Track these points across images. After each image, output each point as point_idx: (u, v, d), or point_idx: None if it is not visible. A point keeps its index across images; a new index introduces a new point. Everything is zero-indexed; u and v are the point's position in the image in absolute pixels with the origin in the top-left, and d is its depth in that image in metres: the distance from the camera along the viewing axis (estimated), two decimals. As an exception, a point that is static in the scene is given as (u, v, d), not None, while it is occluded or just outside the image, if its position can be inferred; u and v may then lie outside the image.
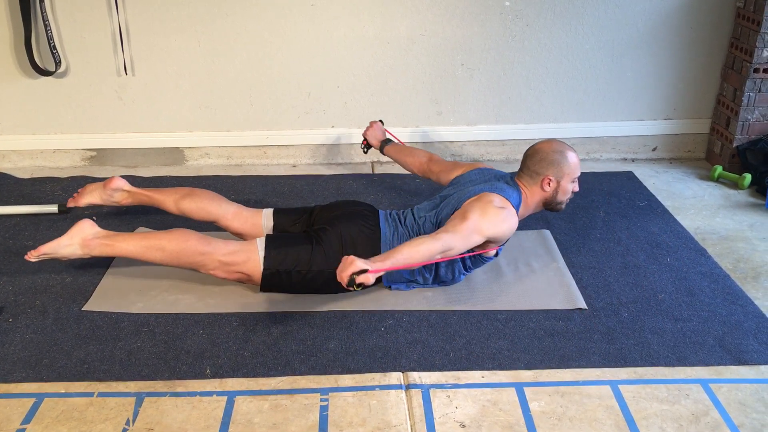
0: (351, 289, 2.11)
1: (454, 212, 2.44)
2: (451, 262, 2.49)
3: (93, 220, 2.97)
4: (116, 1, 3.27)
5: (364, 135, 3.25)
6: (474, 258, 2.50)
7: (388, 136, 3.23)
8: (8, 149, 3.56)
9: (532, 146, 2.59)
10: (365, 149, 3.27)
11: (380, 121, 3.31)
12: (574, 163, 2.52)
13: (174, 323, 2.36)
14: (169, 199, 2.71)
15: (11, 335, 2.29)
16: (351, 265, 2.09)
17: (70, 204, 2.83)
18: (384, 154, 3.19)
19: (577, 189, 2.57)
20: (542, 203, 2.57)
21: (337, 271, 2.11)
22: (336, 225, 2.47)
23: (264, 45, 3.44)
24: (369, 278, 2.10)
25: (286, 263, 2.40)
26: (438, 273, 2.52)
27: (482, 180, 2.58)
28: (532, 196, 2.55)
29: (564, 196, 2.55)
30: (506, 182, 2.55)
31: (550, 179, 2.50)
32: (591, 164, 3.70)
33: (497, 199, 2.41)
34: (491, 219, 2.35)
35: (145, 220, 2.99)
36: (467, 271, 2.57)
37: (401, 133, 3.66)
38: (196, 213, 2.67)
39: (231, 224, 2.65)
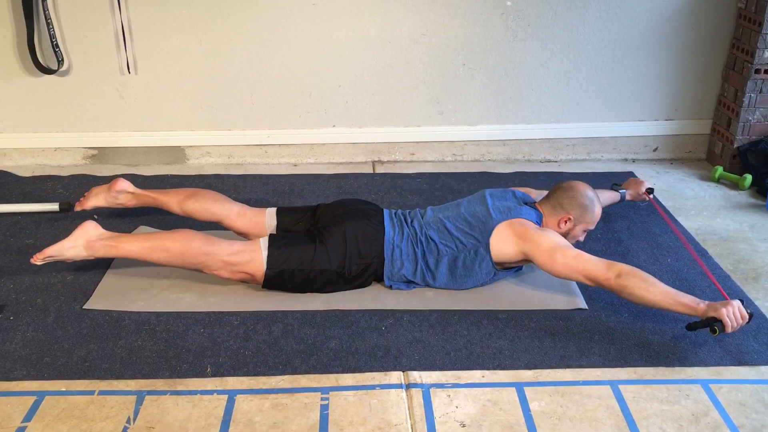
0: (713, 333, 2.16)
1: (470, 225, 2.47)
2: (457, 268, 2.50)
3: (95, 219, 2.99)
4: (119, 0, 3.27)
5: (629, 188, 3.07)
6: (494, 273, 2.53)
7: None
8: (10, 147, 3.56)
9: (568, 181, 2.60)
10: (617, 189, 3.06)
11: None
12: (596, 216, 2.55)
13: (175, 322, 2.36)
14: (172, 200, 2.72)
15: (12, 333, 2.29)
16: (737, 308, 2.15)
17: (77, 208, 2.84)
18: None
19: (581, 239, 2.60)
20: None
21: (731, 321, 2.13)
22: (339, 224, 2.48)
23: (265, 44, 3.44)
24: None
25: (289, 262, 2.41)
26: (436, 274, 2.50)
27: (505, 198, 2.58)
28: (546, 226, 2.55)
29: (571, 240, 2.55)
30: (527, 206, 2.56)
31: (569, 218, 2.51)
32: (592, 165, 3.70)
33: (531, 225, 2.45)
34: (558, 238, 2.40)
35: (147, 220, 2.99)
36: (478, 285, 2.56)
37: (402, 133, 3.66)
38: (200, 213, 2.67)
39: (235, 224, 2.65)
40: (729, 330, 2.13)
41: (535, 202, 2.61)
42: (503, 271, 2.55)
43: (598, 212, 2.55)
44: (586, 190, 2.54)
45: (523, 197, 2.62)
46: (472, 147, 3.73)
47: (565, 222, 2.52)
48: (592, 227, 2.57)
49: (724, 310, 2.12)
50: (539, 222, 2.53)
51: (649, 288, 2.20)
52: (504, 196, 2.60)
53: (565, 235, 2.53)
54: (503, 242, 2.44)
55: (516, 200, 2.58)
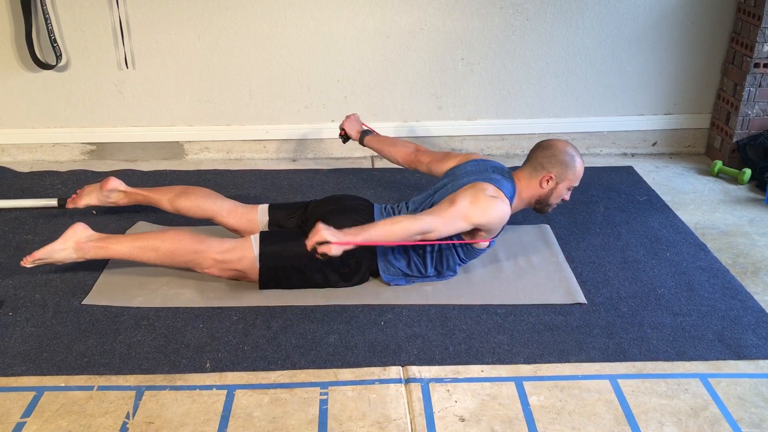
0: (317, 257, 2.17)
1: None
2: (441, 251, 2.48)
3: (94, 214, 2.99)
4: (116, -5, 3.27)
5: (341, 127, 3.17)
6: (465, 248, 2.49)
7: (365, 128, 3.15)
8: (8, 143, 3.56)
9: (546, 140, 2.56)
10: (344, 140, 3.20)
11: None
12: (578, 171, 2.50)
13: (174, 317, 2.36)
14: (164, 198, 2.72)
15: (11, 329, 2.29)
16: (316, 234, 2.15)
17: (69, 205, 2.85)
18: (364, 146, 3.11)
19: (567, 198, 2.56)
20: (533, 201, 2.55)
21: (307, 239, 2.18)
22: (330, 220, 2.46)
23: (264, 39, 3.43)
24: (331, 249, 2.15)
25: (281, 259, 2.41)
26: (426, 261, 2.50)
27: (478, 171, 2.54)
28: (527, 190, 2.51)
29: (555, 200, 2.53)
30: (501, 174, 2.52)
31: (551, 177, 2.48)
32: (591, 159, 3.70)
33: (490, 188, 2.39)
34: (480, 206, 2.33)
35: (145, 216, 2.99)
36: (461, 263, 2.56)
37: (401, 128, 3.66)
38: (192, 211, 2.67)
39: (226, 221, 2.65)
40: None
41: (513, 171, 2.56)
42: (478, 250, 2.51)
43: (579, 168, 2.50)
44: (566, 147, 2.50)
45: (500, 167, 2.56)
46: (471, 142, 3.73)
47: (547, 181, 2.49)
48: (576, 183, 2.52)
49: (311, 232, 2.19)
50: (511, 196, 2.46)
51: (391, 222, 2.27)
52: (477, 168, 2.54)
53: (549, 194, 2.50)
54: None
55: (491, 170, 2.52)
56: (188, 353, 2.20)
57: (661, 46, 3.56)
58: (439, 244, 2.47)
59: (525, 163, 2.56)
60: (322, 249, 2.15)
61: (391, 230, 2.24)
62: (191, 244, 2.38)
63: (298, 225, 2.59)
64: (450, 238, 2.41)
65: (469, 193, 2.36)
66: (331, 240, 2.16)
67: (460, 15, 3.44)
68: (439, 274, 2.55)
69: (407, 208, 2.59)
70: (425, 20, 3.45)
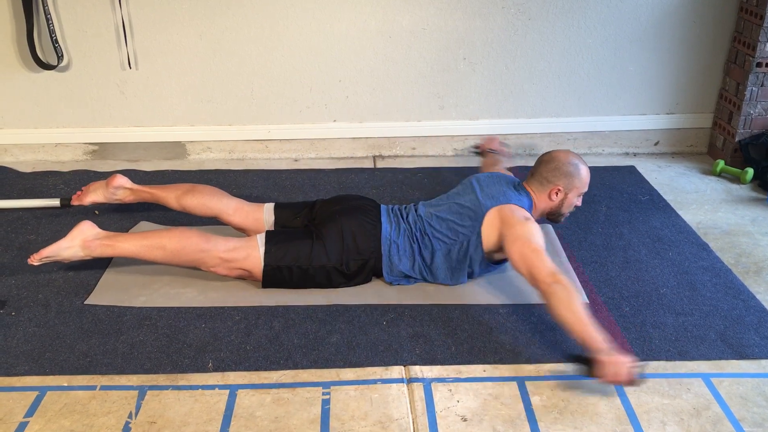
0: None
1: (461, 216, 2.47)
2: (452, 270, 2.49)
3: (96, 213, 2.99)
4: (118, -5, 3.28)
5: (483, 143, 3.09)
6: (484, 265, 2.52)
7: (492, 149, 3.06)
8: (10, 143, 3.56)
9: (548, 153, 2.58)
10: (476, 152, 3.13)
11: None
12: (585, 178, 2.52)
13: (176, 317, 2.36)
14: (170, 196, 2.72)
15: (14, 329, 2.29)
16: (625, 367, 1.98)
17: (74, 202, 2.84)
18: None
19: (579, 204, 2.58)
20: (546, 213, 2.58)
21: (605, 377, 1.99)
22: (337, 220, 2.48)
23: (266, 39, 3.43)
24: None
25: (286, 259, 2.41)
26: (433, 270, 2.51)
27: (492, 183, 2.56)
28: (539, 203, 2.55)
29: (567, 209, 2.55)
30: (515, 189, 2.54)
31: (559, 189, 2.50)
32: (593, 159, 3.69)
33: (520, 212, 2.42)
34: (535, 233, 2.33)
35: (148, 215, 2.99)
36: (469, 278, 2.56)
37: (403, 128, 3.66)
38: (198, 209, 2.68)
39: (232, 219, 2.65)
40: (600, 381, 2.01)
41: (523, 182, 2.59)
42: (495, 265, 2.55)
43: (585, 175, 2.52)
44: (568, 157, 2.52)
45: (513, 180, 2.61)
46: (473, 141, 3.72)
47: (556, 193, 2.51)
48: (585, 189, 2.54)
49: (604, 369, 1.98)
50: (530, 208, 2.51)
51: (571, 305, 2.09)
52: (491, 181, 2.58)
53: (560, 205, 2.52)
54: (492, 228, 2.42)
55: (506, 184, 2.56)
56: (190, 353, 2.20)
57: (663, 45, 3.56)
58: (449, 252, 2.49)
59: (530, 177, 2.58)
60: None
61: (574, 311, 2.10)
62: (198, 243, 2.39)
63: (304, 224, 2.59)
64: (477, 258, 2.45)
65: (519, 227, 2.34)
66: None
67: (462, 15, 3.44)
68: (442, 281, 2.54)
69: (416, 211, 2.59)
70: (427, 20, 3.45)
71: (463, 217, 2.48)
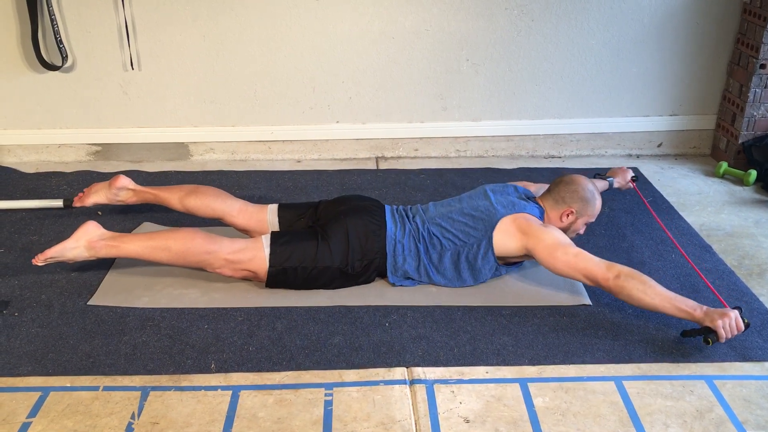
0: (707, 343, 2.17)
1: (473, 219, 2.49)
2: (460, 271, 2.51)
3: (99, 214, 2.99)
4: (121, -4, 3.28)
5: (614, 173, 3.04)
6: (498, 269, 2.55)
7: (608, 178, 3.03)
8: (14, 144, 3.57)
9: (568, 175, 2.61)
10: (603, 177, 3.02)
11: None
12: (597, 209, 2.57)
13: (179, 318, 2.36)
14: (174, 197, 2.72)
15: (17, 329, 2.30)
16: (733, 318, 2.14)
17: (77, 203, 2.84)
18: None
19: (582, 233, 2.63)
20: None
21: (726, 332, 2.13)
22: (342, 220, 2.48)
23: (269, 40, 3.44)
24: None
25: (291, 260, 2.41)
26: (441, 270, 2.51)
27: (506, 193, 2.59)
28: (549, 220, 2.57)
29: (571, 234, 2.57)
30: (527, 201, 2.58)
31: (571, 212, 2.53)
32: (596, 160, 3.69)
33: (534, 220, 2.46)
34: (560, 235, 2.41)
35: (151, 216, 2.99)
36: (477, 280, 2.56)
37: (406, 129, 3.66)
38: (201, 210, 2.68)
39: (236, 221, 2.65)
40: (723, 341, 2.15)
41: (536, 197, 2.62)
42: (505, 266, 2.56)
43: (598, 205, 2.58)
44: (587, 184, 2.57)
45: (525, 192, 2.63)
46: (476, 143, 3.73)
47: (567, 215, 2.54)
48: (592, 220, 2.59)
49: (720, 322, 2.13)
50: (542, 218, 2.54)
51: (648, 291, 2.21)
52: (505, 191, 2.61)
53: (566, 228, 2.55)
54: (506, 236, 2.45)
55: (518, 195, 2.59)
56: (193, 354, 2.20)
57: (666, 47, 3.56)
58: (458, 255, 2.50)
59: (546, 194, 2.61)
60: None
61: (661, 297, 2.21)
62: (203, 244, 2.38)
63: (308, 225, 2.59)
64: (486, 262, 2.49)
65: (539, 230, 2.40)
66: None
67: (465, 16, 3.44)
68: (448, 283, 2.54)
69: (423, 210, 2.59)
70: (430, 21, 3.45)
71: (476, 221, 2.49)
